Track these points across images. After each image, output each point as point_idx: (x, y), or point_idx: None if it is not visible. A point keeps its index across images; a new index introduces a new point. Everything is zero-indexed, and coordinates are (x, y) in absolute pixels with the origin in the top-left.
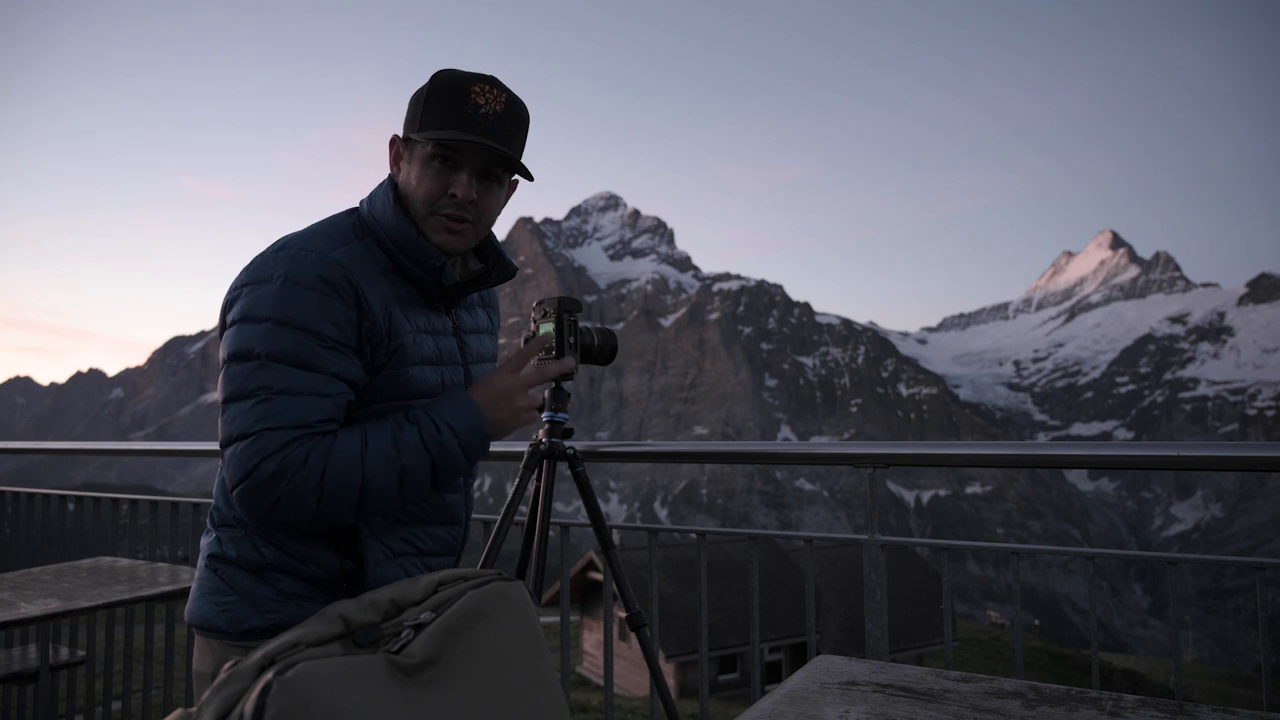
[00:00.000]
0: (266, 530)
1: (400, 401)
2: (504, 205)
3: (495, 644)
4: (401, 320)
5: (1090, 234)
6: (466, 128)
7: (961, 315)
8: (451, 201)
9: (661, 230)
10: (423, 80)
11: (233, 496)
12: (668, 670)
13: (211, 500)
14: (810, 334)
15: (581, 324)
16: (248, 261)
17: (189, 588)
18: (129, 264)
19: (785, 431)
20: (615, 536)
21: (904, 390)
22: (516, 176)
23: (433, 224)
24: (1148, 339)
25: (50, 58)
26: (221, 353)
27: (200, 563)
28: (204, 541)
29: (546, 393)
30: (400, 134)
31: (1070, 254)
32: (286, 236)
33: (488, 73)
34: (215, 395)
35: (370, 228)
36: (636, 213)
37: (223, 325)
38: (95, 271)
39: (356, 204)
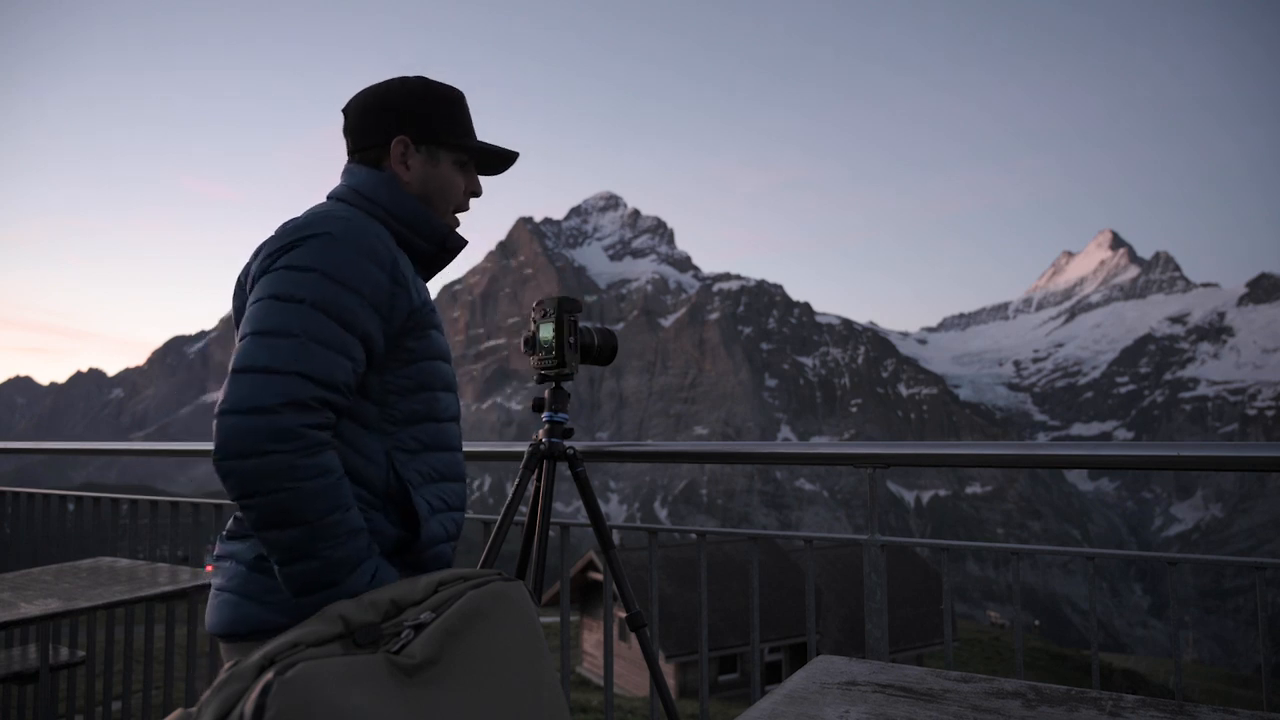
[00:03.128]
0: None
1: (430, 362)
2: None
3: (495, 644)
4: (422, 286)
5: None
6: (475, 136)
7: (961, 315)
8: (469, 199)
9: (661, 230)
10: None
11: (219, 419)
12: (668, 670)
13: (212, 500)
14: (810, 334)
15: (581, 324)
16: (285, 223)
17: (189, 588)
18: (129, 264)
19: (785, 431)
20: (615, 536)
21: (904, 390)
22: None
23: (453, 219)
24: (1148, 339)
25: (50, 58)
26: (258, 293)
27: (237, 570)
28: (238, 547)
29: (547, 393)
30: (407, 136)
31: (1070, 254)
32: (319, 207)
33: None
34: (215, 395)
35: (372, 210)
36: (636, 213)
37: (251, 281)
38: (95, 271)
39: (324, 199)
